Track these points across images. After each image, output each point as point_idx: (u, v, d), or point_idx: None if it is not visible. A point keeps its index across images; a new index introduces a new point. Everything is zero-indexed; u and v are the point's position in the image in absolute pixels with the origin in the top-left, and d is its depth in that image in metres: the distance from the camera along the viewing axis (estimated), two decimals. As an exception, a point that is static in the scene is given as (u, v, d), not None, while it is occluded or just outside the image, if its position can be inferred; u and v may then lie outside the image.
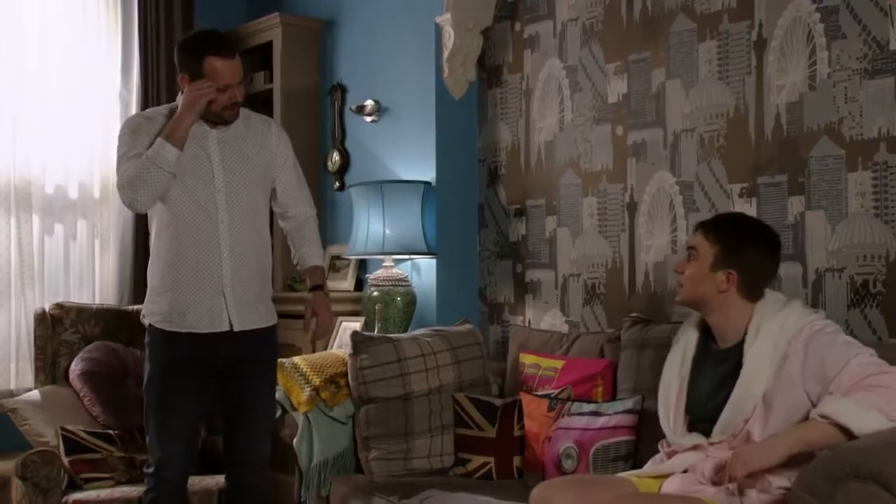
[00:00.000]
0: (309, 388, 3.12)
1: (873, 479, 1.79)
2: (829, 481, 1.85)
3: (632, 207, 3.43)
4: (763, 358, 2.19)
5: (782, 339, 2.17)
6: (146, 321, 2.77)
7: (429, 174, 3.92)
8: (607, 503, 2.09)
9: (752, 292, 2.28)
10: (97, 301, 4.10)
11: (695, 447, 2.27)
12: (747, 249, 2.26)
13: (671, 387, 2.38)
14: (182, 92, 2.70)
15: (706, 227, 2.32)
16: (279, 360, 3.18)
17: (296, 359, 3.26)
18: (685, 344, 2.41)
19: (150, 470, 2.72)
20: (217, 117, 2.71)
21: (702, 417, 2.28)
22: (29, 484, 2.82)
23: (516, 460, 3.03)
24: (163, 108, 2.82)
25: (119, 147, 2.72)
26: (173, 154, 2.60)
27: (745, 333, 2.24)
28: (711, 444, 2.24)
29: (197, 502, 3.01)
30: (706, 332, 2.37)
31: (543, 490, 2.25)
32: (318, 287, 2.90)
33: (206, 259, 2.69)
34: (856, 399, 2.01)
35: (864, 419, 1.98)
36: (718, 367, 2.29)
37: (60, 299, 3.77)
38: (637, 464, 2.69)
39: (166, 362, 2.72)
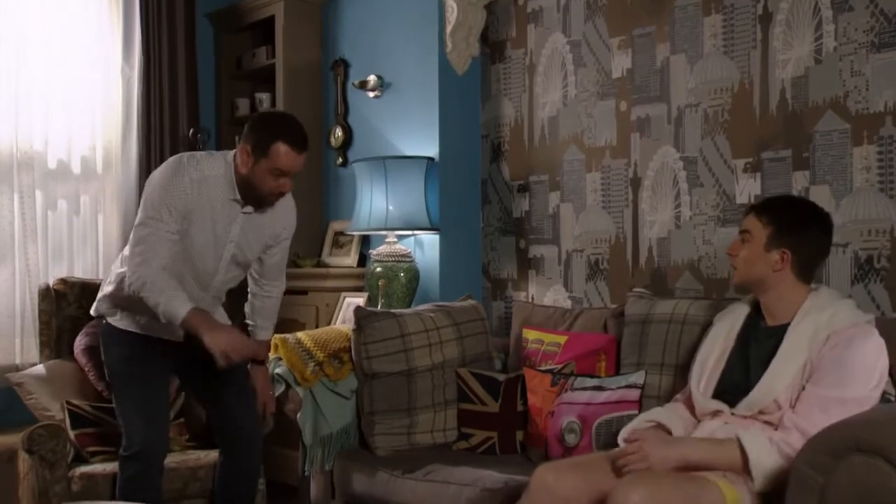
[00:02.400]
0: (313, 364, 3.13)
1: (875, 452, 1.79)
2: (831, 455, 1.85)
3: (635, 183, 3.42)
4: (803, 341, 2.20)
5: (826, 329, 2.18)
6: (100, 315, 2.84)
7: (432, 150, 3.91)
8: (611, 485, 2.09)
9: (806, 271, 2.30)
10: (101, 276, 4.11)
11: (715, 414, 2.30)
12: (800, 228, 2.28)
13: (711, 354, 2.40)
14: (236, 155, 2.68)
15: (758, 209, 2.34)
16: (283, 335, 3.21)
17: (299, 334, 3.26)
18: (734, 318, 2.43)
19: (131, 452, 2.68)
20: (257, 201, 2.71)
21: (733, 388, 2.30)
22: (35, 457, 2.83)
23: (519, 435, 3.04)
24: (219, 165, 2.71)
25: (153, 196, 2.64)
26: (178, 319, 2.58)
27: (795, 315, 2.26)
28: (734, 414, 2.26)
29: (202, 476, 3.02)
30: (757, 310, 2.39)
31: (545, 471, 2.25)
32: (261, 362, 3.01)
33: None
34: (770, 437, 2.09)
35: (764, 454, 2.06)
36: (763, 343, 2.30)
37: (64, 274, 3.78)
38: (640, 438, 2.70)
39: (130, 349, 2.78)
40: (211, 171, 2.69)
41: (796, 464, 1.92)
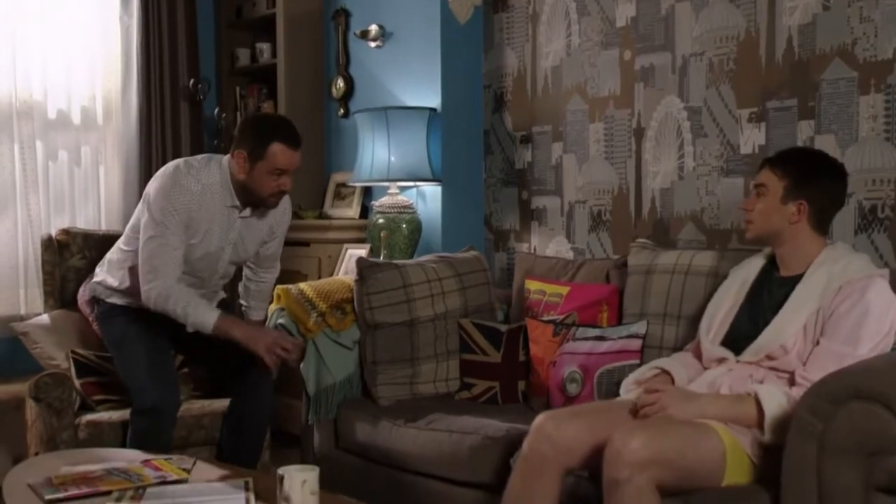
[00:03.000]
0: (315, 314, 3.14)
1: (875, 399, 1.81)
2: (830, 402, 1.87)
3: (639, 133, 3.40)
4: (815, 289, 2.21)
5: (839, 279, 2.19)
6: (95, 298, 2.95)
7: (434, 100, 3.88)
8: (611, 432, 2.10)
9: (822, 223, 2.31)
10: (103, 226, 4.12)
11: (721, 361, 2.32)
12: (816, 179, 2.28)
13: (723, 303, 2.42)
14: (230, 161, 2.75)
15: (773, 162, 2.33)
16: (286, 286, 3.22)
17: (302, 285, 3.27)
18: (749, 270, 2.44)
19: (143, 408, 2.73)
20: (260, 201, 2.78)
21: (741, 336, 2.31)
22: (42, 405, 2.86)
23: (521, 385, 3.06)
24: (214, 174, 2.77)
25: (157, 210, 2.71)
26: (208, 328, 2.71)
27: (810, 266, 2.26)
28: (739, 361, 2.28)
29: (206, 424, 3.05)
30: (772, 262, 2.40)
31: (546, 419, 2.26)
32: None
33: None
34: (786, 393, 2.09)
35: (779, 410, 2.06)
36: (775, 292, 2.31)
37: (66, 225, 3.77)
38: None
39: (130, 317, 2.87)
40: (208, 180, 2.75)
41: (797, 411, 1.93)
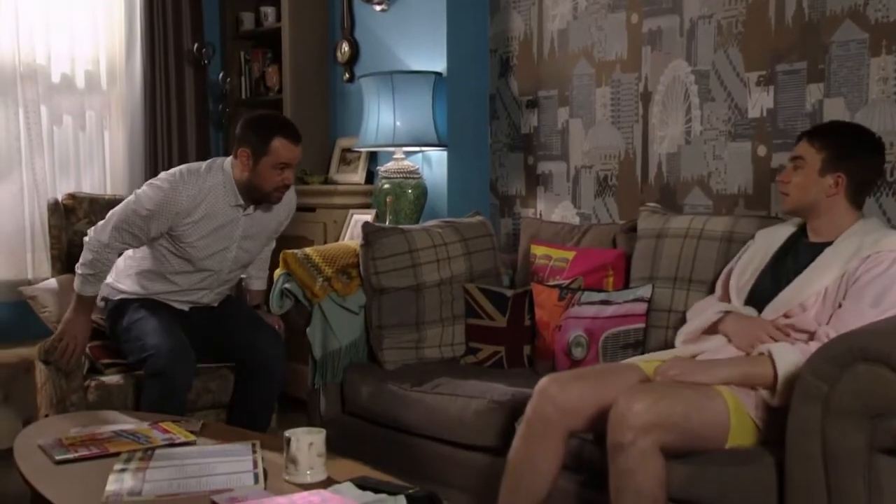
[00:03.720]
0: (321, 279, 3.14)
1: (881, 361, 1.80)
2: (836, 364, 1.86)
3: (646, 97, 3.37)
4: (842, 255, 2.21)
5: (869, 249, 2.18)
6: (107, 297, 3.01)
7: (440, 64, 3.85)
8: (613, 395, 2.11)
9: (859, 195, 2.30)
10: (108, 191, 4.12)
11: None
12: (855, 152, 2.27)
13: (749, 265, 2.42)
14: (236, 158, 2.85)
15: (810, 135, 2.32)
16: (291, 251, 3.23)
17: (307, 250, 3.27)
18: (777, 234, 2.44)
19: (156, 370, 2.76)
20: (264, 197, 2.88)
21: (764, 297, 2.31)
22: (52, 368, 2.88)
23: (527, 349, 3.07)
24: (216, 176, 2.88)
25: (145, 203, 2.81)
26: (76, 290, 2.86)
27: (840, 235, 2.26)
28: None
29: (214, 389, 3.07)
30: (802, 230, 2.40)
31: (549, 383, 2.27)
32: (257, 307, 3.25)
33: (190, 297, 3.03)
34: (802, 349, 2.07)
35: (790, 361, 2.05)
36: (802, 257, 2.31)
37: (72, 189, 3.78)
38: (646, 351, 2.73)
39: (139, 303, 2.96)
40: (211, 182, 2.86)
41: (802, 374, 1.93)
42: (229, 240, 2.94)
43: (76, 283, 2.87)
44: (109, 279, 3.02)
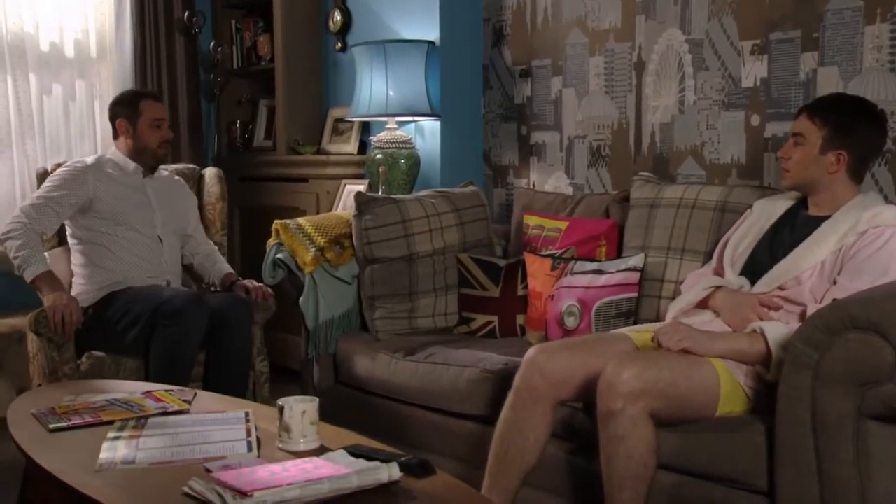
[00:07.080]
0: (314, 249, 3.14)
1: (870, 329, 1.81)
2: (827, 332, 1.86)
3: (639, 67, 3.35)
4: (840, 229, 2.19)
5: (867, 223, 2.16)
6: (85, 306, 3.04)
7: (433, 34, 3.82)
8: (601, 364, 2.11)
9: (860, 171, 2.28)
10: (100, 164, 4.09)
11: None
12: (856, 128, 2.23)
13: (746, 236, 2.41)
14: (117, 136, 3.23)
15: (811, 110, 2.27)
16: (284, 221, 3.22)
17: (300, 220, 3.26)
18: (776, 206, 2.42)
19: (173, 309, 2.85)
20: (153, 156, 3.22)
21: (759, 269, 2.30)
22: (44, 339, 2.88)
23: (519, 319, 3.08)
24: (105, 154, 3.27)
25: (55, 178, 3.10)
26: (28, 276, 2.95)
27: (839, 209, 2.24)
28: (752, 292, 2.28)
29: (202, 360, 3.07)
30: (801, 202, 2.38)
31: (537, 352, 2.27)
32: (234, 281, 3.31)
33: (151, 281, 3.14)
34: (791, 328, 2.06)
35: (781, 335, 2.05)
36: (799, 229, 2.29)
37: (62, 159, 3.75)
38: (638, 321, 2.74)
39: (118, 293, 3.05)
40: (100, 158, 3.22)
41: (792, 342, 1.93)
42: (143, 195, 3.19)
43: (24, 273, 2.95)
44: (75, 292, 3.07)
